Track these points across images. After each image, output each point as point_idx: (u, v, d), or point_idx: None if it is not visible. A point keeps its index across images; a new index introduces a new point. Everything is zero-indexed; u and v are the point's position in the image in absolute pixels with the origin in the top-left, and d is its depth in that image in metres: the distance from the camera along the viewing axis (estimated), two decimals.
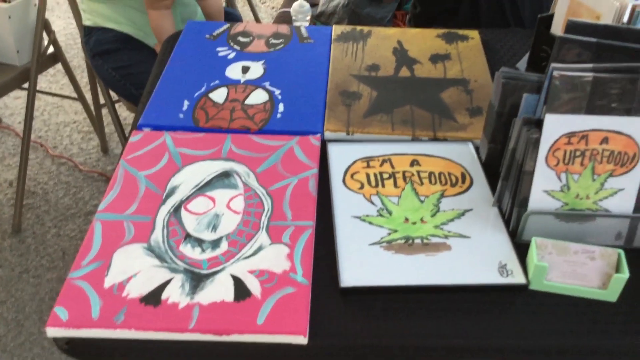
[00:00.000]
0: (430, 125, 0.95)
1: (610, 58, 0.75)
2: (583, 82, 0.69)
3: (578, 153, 0.73)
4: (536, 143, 0.72)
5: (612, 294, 0.70)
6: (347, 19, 1.89)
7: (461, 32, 1.19)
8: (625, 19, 0.85)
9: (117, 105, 1.90)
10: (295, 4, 2.25)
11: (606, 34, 0.77)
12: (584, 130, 0.71)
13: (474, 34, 1.18)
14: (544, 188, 0.75)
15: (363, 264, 0.73)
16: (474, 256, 0.74)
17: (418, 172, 0.87)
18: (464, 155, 0.90)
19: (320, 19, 2.01)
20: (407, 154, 0.90)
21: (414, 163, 0.88)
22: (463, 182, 0.85)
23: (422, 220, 0.79)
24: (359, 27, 1.20)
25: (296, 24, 1.52)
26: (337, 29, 1.19)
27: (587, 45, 0.75)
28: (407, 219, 0.79)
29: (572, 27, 0.78)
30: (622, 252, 0.71)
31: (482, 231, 0.78)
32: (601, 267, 0.71)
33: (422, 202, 0.82)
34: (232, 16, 1.74)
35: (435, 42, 1.16)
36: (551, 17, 0.95)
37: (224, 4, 1.58)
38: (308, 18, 1.59)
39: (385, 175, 0.86)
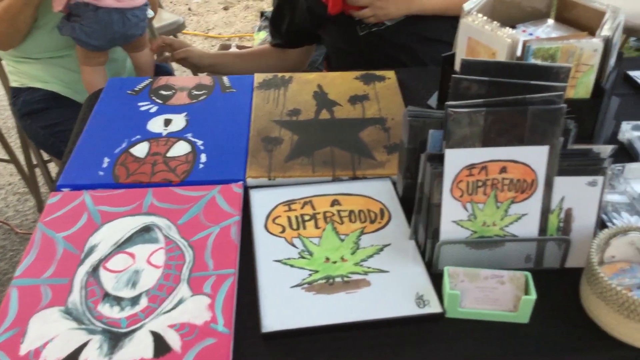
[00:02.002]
0: (349, 164, 0.98)
1: (504, 92, 0.80)
2: (477, 117, 0.73)
3: (480, 183, 0.76)
4: (440, 177, 0.76)
5: (523, 315, 0.73)
6: None
7: (378, 73, 1.24)
8: (519, 53, 0.91)
9: (51, 165, 1.87)
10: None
11: (498, 70, 0.83)
12: (482, 162, 0.75)
13: (390, 74, 1.24)
14: (453, 218, 0.78)
15: (284, 308, 0.74)
16: (392, 290, 0.77)
17: (338, 211, 0.89)
18: (382, 191, 0.93)
19: None
20: (327, 194, 0.92)
21: (334, 203, 0.91)
22: (382, 217, 0.88)
23: (342, 258, 0.81)
24: (280, 74, 1.24)
25: None
26: (258, 77, 1.22)
27: (481, 83, 0.80)
28: (327, 259, 0.81)
29: (467, 66, 0.83)
30: (529, 274, 0.74)
31: (400, 264, 0.80)
32: (511, 290, 0.74)
33: (342, 240, 0.84)
34: (164, 70, 1.75)
35: (353, 83, 1.20)
36: (453, 55, 1.01)
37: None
38: None
39: (307, 217, 0.88)
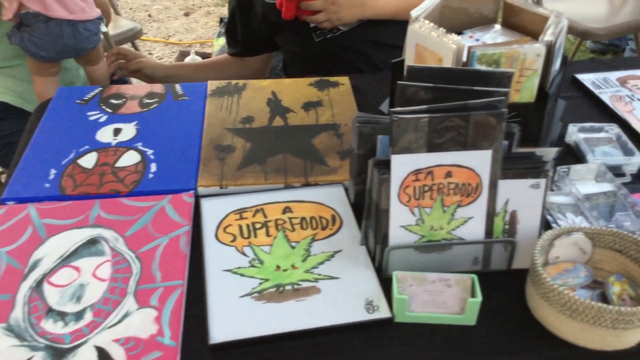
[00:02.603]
0: (302, 171, 0.98)
1: (450, 97, 0.81)
2: (420, 123, 0.74)
3: (426, 188, 0.77)
4: (387, 182, 0.77)
5: (470, 317, 0.74)
6: None
7: (332, 79, 1.24)
8: (465, 59, 0.92)
9: (4, 177, 1.82)
10: (187, 59, 2.27)
11: (443, 76, 0.84)
12: (428, 167, 0.76)
13: (345, 80, 1.24)
14: (401, 223, 0.79)
15: (233, 318, 0.73)
16: (342, 296, 0.77)
17: (290, 218, 0.89)
18: (334, 197, 0.93)
19: None
20: (279, 202, 0.92)
21: (286, 210, 0.91)
22: (333, 224, 0.88)
23: (293, 266, 0.81)
24: (234, 81, 1.23)
25: None
26: (212, 84, 1.21)
27: (426, 89, 0.81)
28: (278, 267, 0.81)
29: (413, 72, 0.84)
30: (475, 277, 0.75)
31: (351, 271, 0.81)
32: (458, 293, 0.75)
33: (293, 248, 0.84)
34: (120, 80, 1.72)
35: (308, 90, 1.21)
36: (403, 61, 1.02)
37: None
38: None
39: (258, 225, 0.88)
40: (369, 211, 0.82)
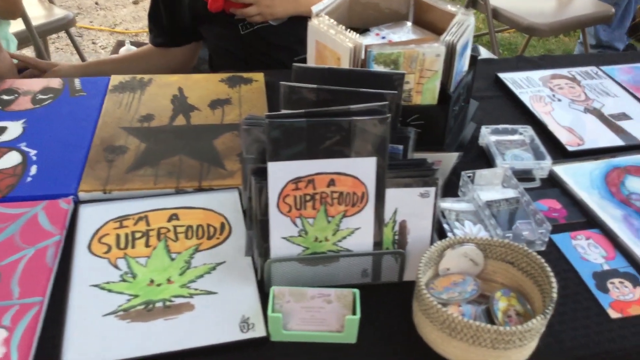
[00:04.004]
0: (197, 175, 0.92)
1: (337, 100, 0.76)
2: (298, 129, 0.69)
3: (308, 197, 0.72)
4: (265, 191, 0.71)
5: (349, 335, 0.70)
6: None
7: (246, 75, 1.18)
8: (363, 56, 0.87)
9: None
10: (122, 49, 2.17)
11: (332, 77, 0.79)
12: (309, 175, 0.71)
13: (259, 76, 1.18)
14: (282, 235, 0.74)
15: (92, 339, 0.67)
16: (217, 313, 0.72)
17: (175, 227, 0.83)
18: (227, 203, 0.88)
19: None
20: (166, 208, 0.86)
21: (172, 218, 0.85)
22: (221, 232, 0.83)
23: (169, 280, 0.75)
24: (139, 76, 1.16)
25: None
26: (115, 79, 1.14)
27: (311, 91, 0.76)
28: (152, 281, 0.75)
29: (300, 72, 0.79)
30: (357, 292, 0.71)
31: (231, 285, 0.75)
32: (338, 309, 0.71)
33: (173, 260, 0.78)
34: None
35: (218, 87, 1.15)
36: (305, 59, 0.97)
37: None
38: None
39: (138, 235, 0.82)
40: (251, 221, 0.76)
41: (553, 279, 0.69)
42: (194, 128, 1.03)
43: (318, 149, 0.70)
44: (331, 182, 0.72)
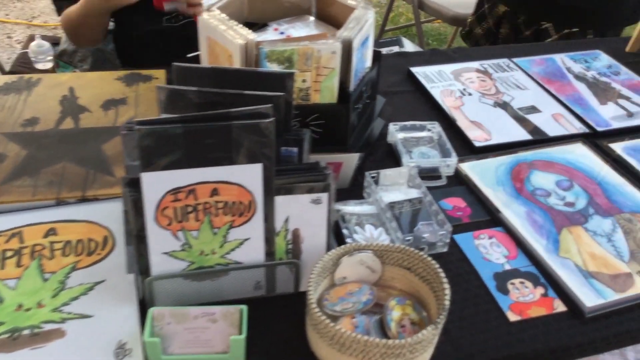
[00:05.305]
0: (81, 184, 0.85)
1: (221, 103, 0.70)
2: (174, 135, 0.63)
3: (190, 209, 0.67)
4: (139, 204, 0.65)
5: (236, 356, 0.65)
6: (92, 56, 1.73)
7: (145, 72, 1.11)
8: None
9: None
10: (32, 44, 2.02)
11: (217, 77, 0.73)
12: (189, 185, 0.66)
13: (160, 73, 1.11)
14: (163, 250, 0.68)
15: None
16: (91, 340, 0.65)
17: (52, 243, 0.76)
18: (112, 215, 0.81)
19: (63, 58, 1.83)
20: (43, 222, 0.79)
21: (49, 233, 0.77)
22: (104, 247, 0.76)
23: (39, 304, 0.68)
24: (27, 76, 1.07)
25: (38, 65, 1.36)
26: (0, 79, 1.05)
27: (192, 93, 0.70)
28: (20, 306, 0.68)
29: (181, 72, 0.74)
30: (244, 309, 0.66)
31: (109, 307, 0.69)
32: (224, 328, 0.66)
33: (46, 281, 0.71)
34: None
35: (113, 85, 1.07)
36: (198, 58, 0.91)
37: None
38: (50, 58, 1.44)
39: (9, 254, 0.74)
40: (129, 235, 0.70)
41: (446, 286, 0.66)
42: (83, 132, 0.95)
43: (198, 157, 0.65)
44: (214, 192, 0.67)
